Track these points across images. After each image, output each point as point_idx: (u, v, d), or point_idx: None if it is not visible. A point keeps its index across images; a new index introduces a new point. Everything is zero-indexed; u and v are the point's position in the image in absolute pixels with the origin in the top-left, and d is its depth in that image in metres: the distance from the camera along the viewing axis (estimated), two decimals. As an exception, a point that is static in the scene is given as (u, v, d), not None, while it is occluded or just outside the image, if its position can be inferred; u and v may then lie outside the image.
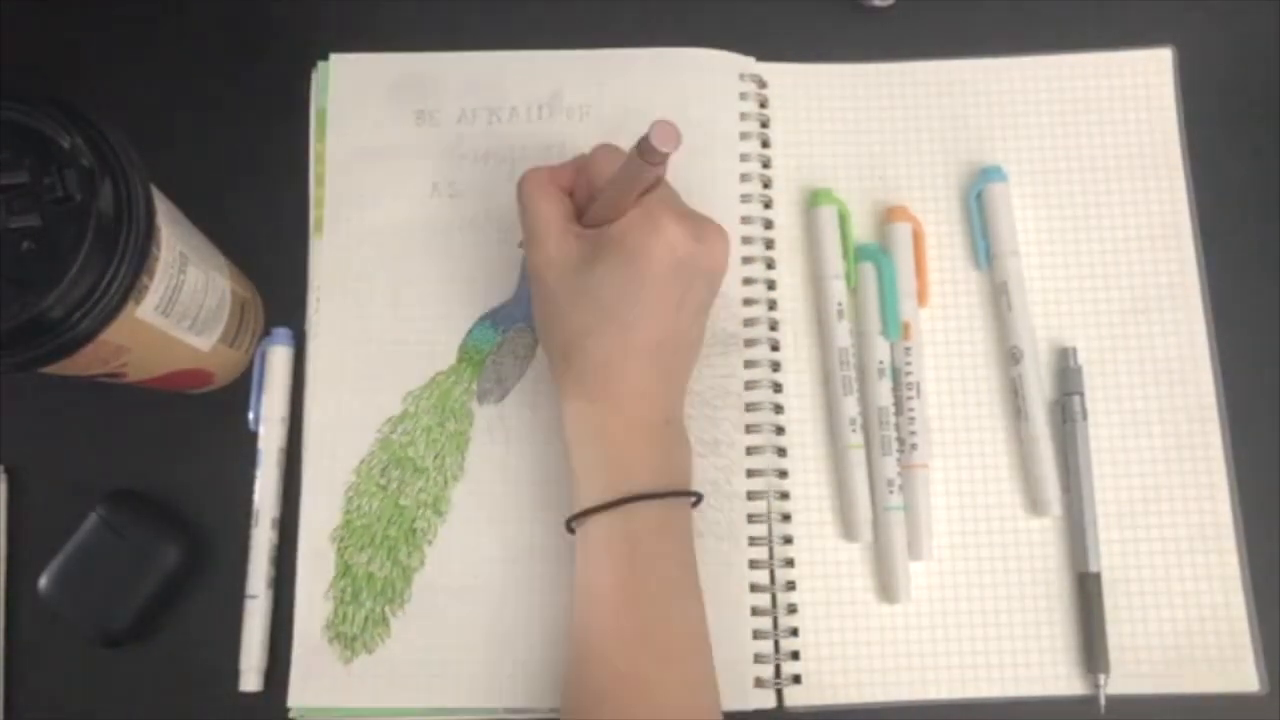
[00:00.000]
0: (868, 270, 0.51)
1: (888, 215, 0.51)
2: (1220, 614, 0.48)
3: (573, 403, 0.44)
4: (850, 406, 0.50)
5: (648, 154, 0.38)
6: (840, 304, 0.51)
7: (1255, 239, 0.53)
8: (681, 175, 0.51)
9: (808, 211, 0.52)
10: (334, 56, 0.53)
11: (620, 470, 0.43)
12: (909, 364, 0.50)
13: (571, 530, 0.44)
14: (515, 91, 0.53)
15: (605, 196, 0.42)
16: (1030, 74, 0.54)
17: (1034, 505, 0.49)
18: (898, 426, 0.49)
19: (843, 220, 0.52)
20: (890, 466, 0.49)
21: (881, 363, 0.50)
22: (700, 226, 0.43)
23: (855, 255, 0.51)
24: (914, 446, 0.49)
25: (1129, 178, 0.53)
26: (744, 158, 0.52)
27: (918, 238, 0.51)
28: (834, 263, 0.51)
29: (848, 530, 0.49)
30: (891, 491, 0.49)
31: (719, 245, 0.43)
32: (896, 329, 0.50)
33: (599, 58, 0.53)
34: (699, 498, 0.44)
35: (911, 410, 0.50)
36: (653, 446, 0.44)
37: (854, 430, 0.49)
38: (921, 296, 0.51)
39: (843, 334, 0.50)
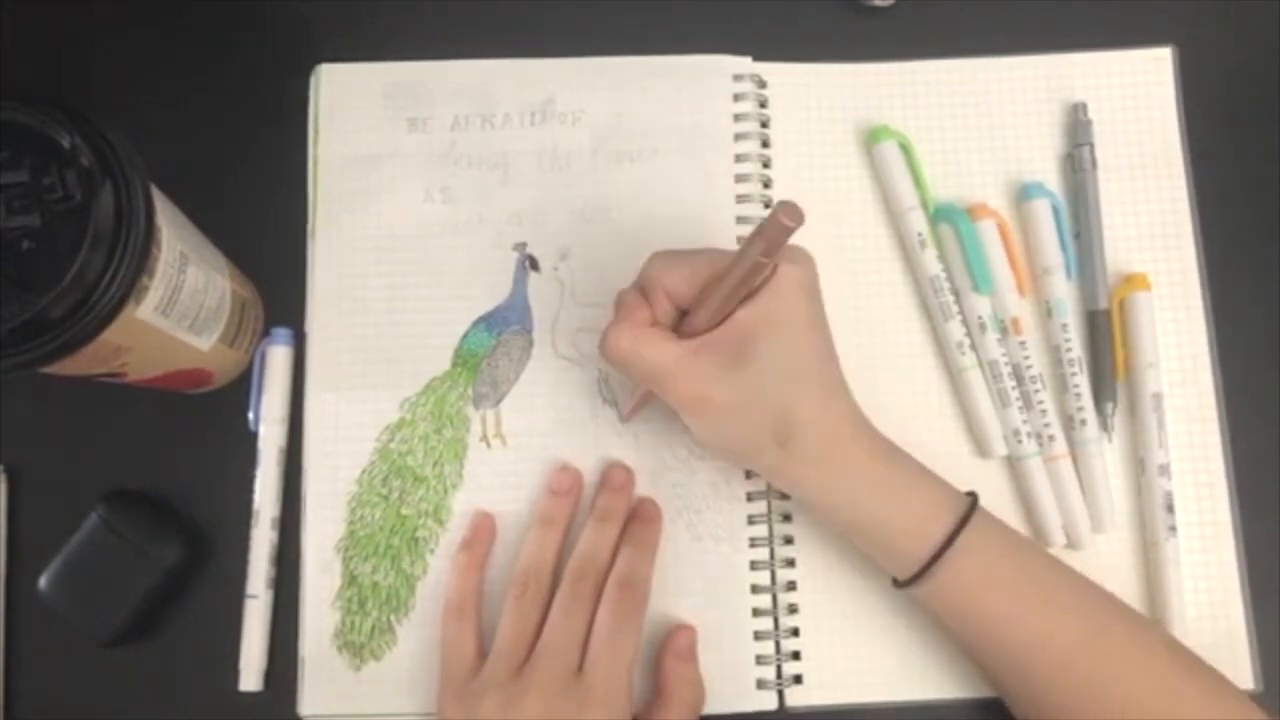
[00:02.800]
0: (945, 231, 0.51)
1: (971, 214, 0.51)
2: (1218, 612, 0.48)
3: (823, 475, 0.43)
4: (955, 330, 0.50)
5: (774, 231, 0.37)
6: (921, 234, 0.51)
7: (1255, 239, 0.53)
8: (674, 178, 0.52)
9: (869, 150, 0.52)
10: (323, 66, 0.53)
11: (924, 490, 0.43)
12: (1027, 358, 0.50)
13: (899, 586, 0.44)
14: (508, 98, 0.53)
15: (715, 302, 0.41)
16: (1030, 73, 0.54)
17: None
18: (1023, 400, 0.50)
19: (907, 151, 0.52)
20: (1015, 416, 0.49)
21: (981, 317, 0.50)
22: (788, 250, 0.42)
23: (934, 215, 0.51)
24: (1051, 439, 0.49)
25: (1129, 177, 0.53)
26: (741, 158, 0.52)
27: (1004, 231, 0.51)
28: (907, 195, 0.51)
29: (981, 449, 0.50)
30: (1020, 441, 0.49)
31: (800, 251, 0.43)
32: (987, 283, 0.50)
33: (591, 65, 0.54)
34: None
35: (1041, 404, 0.49)
36: (908, 454, 0.44)
37: (963, 353, 0.49)
38: (1021, 288, 0.51)
39: (930, 261, 0.50)
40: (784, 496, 0.49)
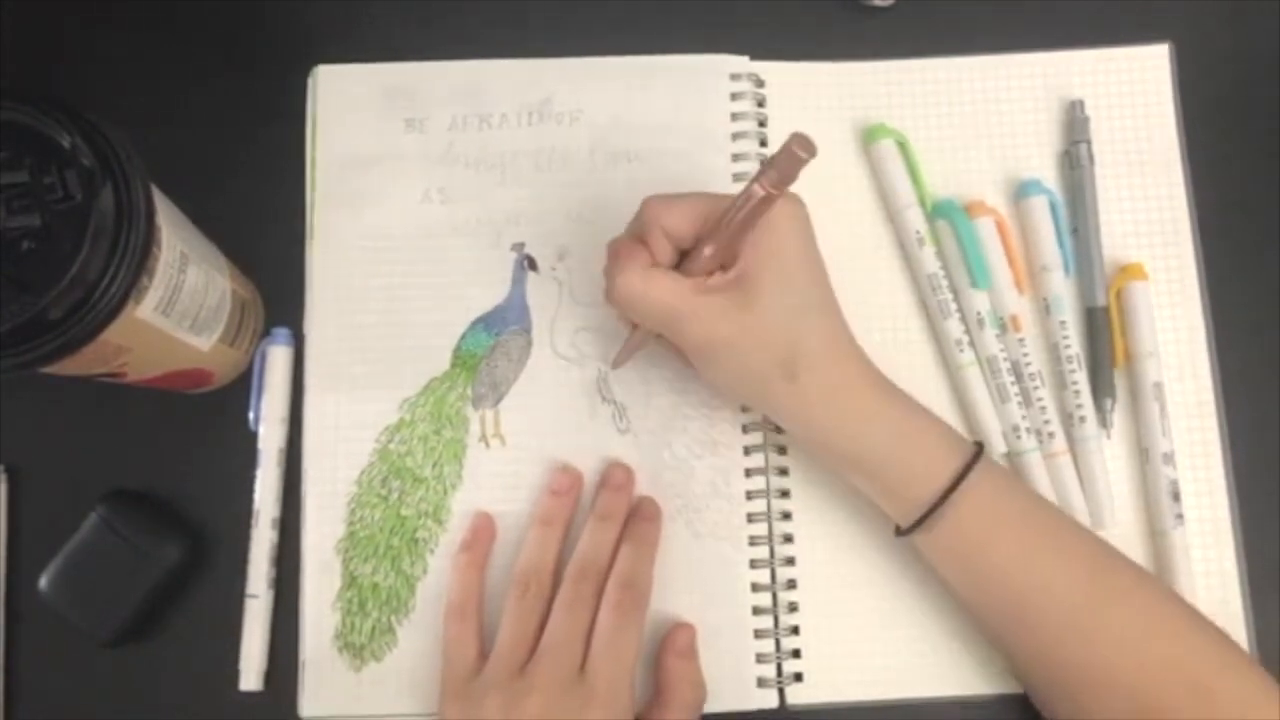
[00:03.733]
0: (944, 227, 0.51)
1: (969, 211, 0.51)
2: (1217, 610, 0.48)
3: (831, 410, 0.43)
4: (954, 328, 0.50)
5: (787, 163, 0.38)
6: (919, 231, 0.51)
7: (1252, 234, 0.53)
8: (672, 177, 0.52)
9: (867, 148, 0.53)
10: (321, 67, 0.53)
11: (931, 432, 0.43)
12: (1026, 355, 0.50)
13: (902, 533, 0.44)
14: (505, 99, 0.53)
15: (722, 239, 0.41)
16: (1028, 71, 0.54)
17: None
18: (1021, 396, 0.50)
19: (904, 149, 0.52)
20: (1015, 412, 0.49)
21: (980, 313, 0.50)
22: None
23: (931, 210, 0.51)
24: (1051, 435, 0.49)
25: (1127, 173, 0.53)
26: (738, 157, 0.52)
27: (1002, 228, 0.51)
28: (905, 193, 0.51)
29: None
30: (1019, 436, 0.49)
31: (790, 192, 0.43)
32: (985, 278, 0.50)
33: (588, 65, 0.54)
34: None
35: (1040, 400, 0.49)
36: (913, 399, 0.44)
37: (962, 350, 0.50)
38: (1019, 285, 0.51)
39: (929, 258, 0.51)
40: (784, 494, 0.49)
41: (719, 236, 0.41)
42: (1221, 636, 0.42)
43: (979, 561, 0.43)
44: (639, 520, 0.48)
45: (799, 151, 0.37)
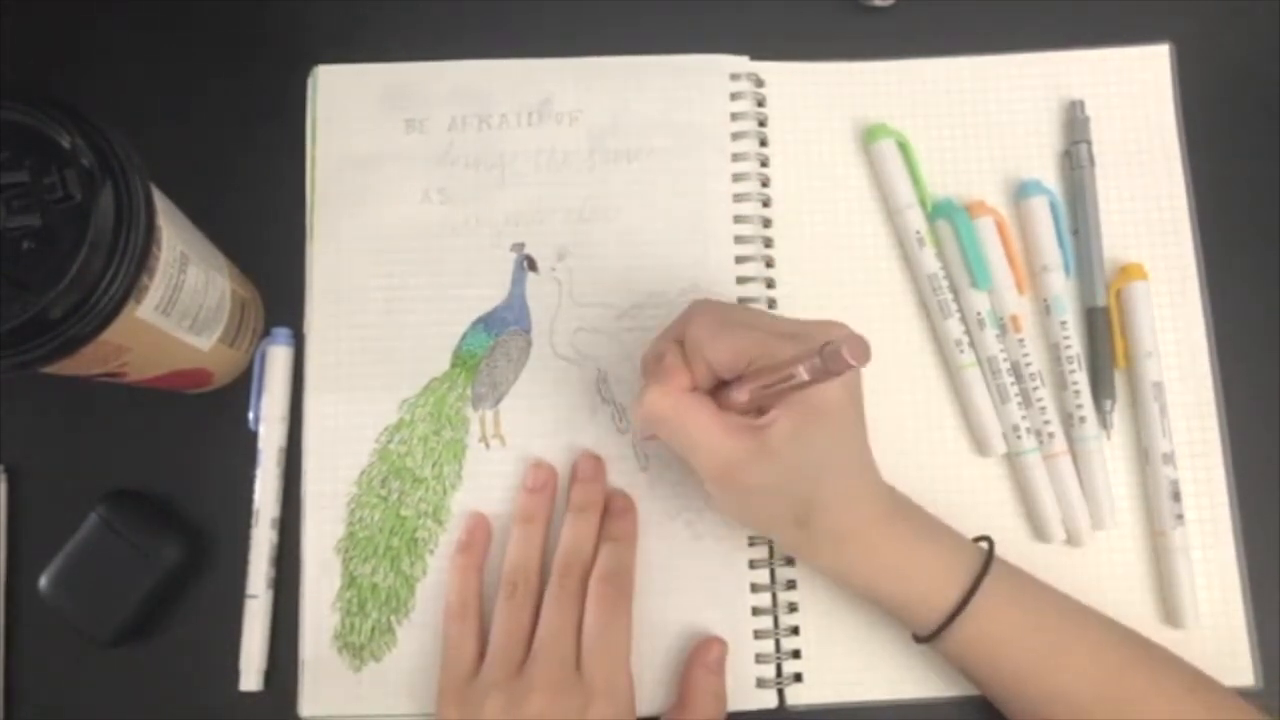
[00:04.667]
0: (944, 227, 0.51)
1: (970, 211, 0.51)
2: (1218, 609, 0.48)
3: (838, 554, 0.43)
4: (954, 328, 0.50)
5: (834, 365, 0.36)
6: (919, 231, 0.51)
7: (1253, 235, 0.53)
8: (672, 177, 0.52)
9: (867, 148, 0.52)
10: (320, 68, 0.53)
11: (939, 555, 0.43)
12: (1026, 355, 0.50)
13: (920, 642, 0.44)
14: (505, 99, 0.53)
15: (756, 393, 0.41)
16: (1028, 71, 0.54)
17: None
18: (1022, 396, 0.50)
19: (905, 149, 0.52)
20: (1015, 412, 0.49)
21: (980, 313, 0.50)
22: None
23: (931, 211, 0.51)
24: (1051, 436, 0.49)
25: (1127, 174, 0.53)
26: (738, 157, 0.52)
27: (1003, 229, 0.51)
28: (904, 193, 0.51)
29: (980, 447, 0.50)
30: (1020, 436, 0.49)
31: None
32: (985, 278, 0.50)
33: (588, 65, 0.54)
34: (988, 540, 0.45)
35: (1040, 401, 0.49)
36: (926, 518, 0.44)
37: (962, 350, 0.50)
38: (1020, 285, 0.51)
39: (929, 259, 0.51)
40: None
41: (754, 389, 0.41)
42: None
43: (1000, 665, 0.43)
44: (613, 516, 0.48)
45: (849, 359, 0.36)
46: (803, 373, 0.38)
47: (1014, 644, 0.43)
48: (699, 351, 0.42)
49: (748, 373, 0.41)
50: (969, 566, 0.43)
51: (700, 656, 0.46)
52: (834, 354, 0.36)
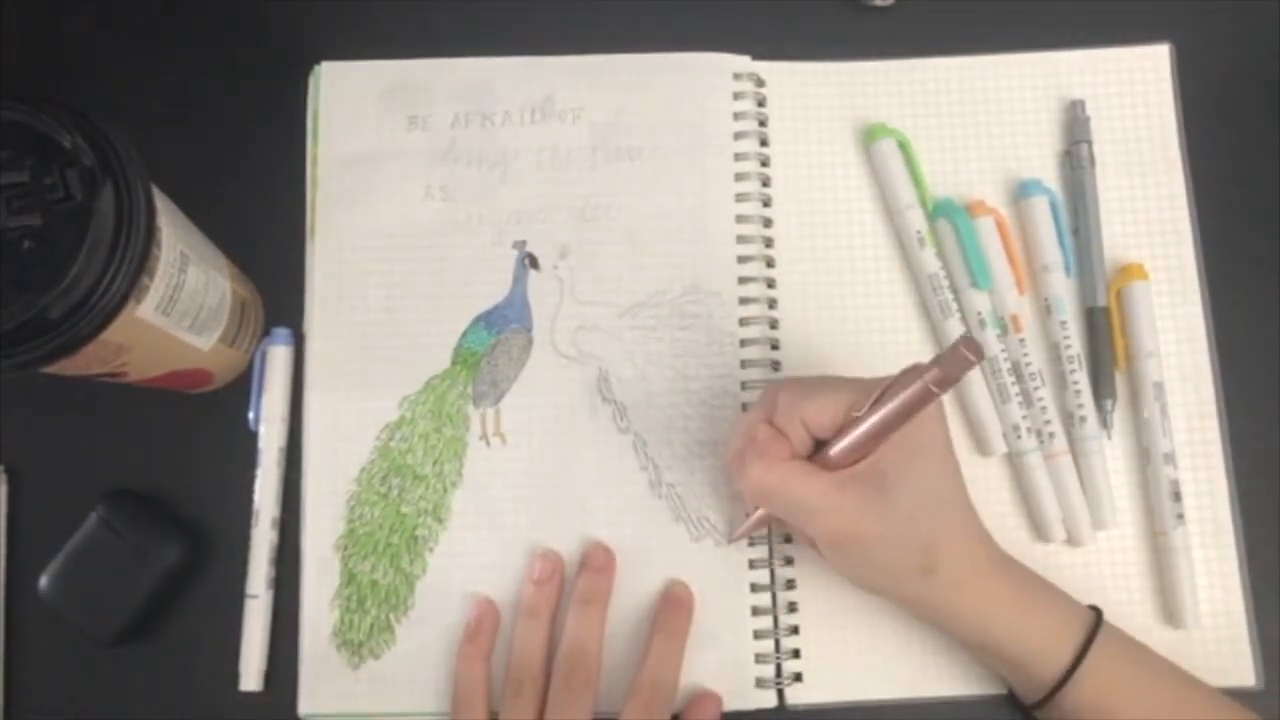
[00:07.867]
0: (944, 227, 0.51)
1: (970, 211, 0.51)
2: (1219, 609, 0.48)
3: (961, 601, 0.43)
4: (955, 328, 0.50)
5: (956, 367, 0.37)
6: (919, 231, 0.51)
7: (1253, 235, 0.53)
8: (673, 176, 0.52)
9: (868, 148, 0.52)
10: (324, 65, 0.53)
11: (1052, 610, 0.43)
12: (1026, 355, 0.50)
13: (1031, 708, 0.44)
14: (507, 96, 0.53)
15: (871, 432, 0.40)
16: (1028, 71, 0.54)
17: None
18: (1022, 396, 0.49)
19: (905, 149, 0.52)
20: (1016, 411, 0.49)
21: (980, 313, 0.50)
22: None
23: (932, 211, 0.51)
24: (1051, 436, 0.49)
25: (1127, 174, 0.53)
26: (740, 156, 0.53)
27: (1003, 228, 0.51)
28: (905, 193, 0.51)
29: (981, 447, 0.50)
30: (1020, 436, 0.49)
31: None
32: (986, 278, 0.50)
33: (590, 63, 0.54)
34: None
35: (1041, 401, 0.49)
36: (1031, 570, 0.44)
37: None
38: (1020, 285, 0.51)
39: (929, 259, 0.50)
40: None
41: (869, 431, 0.40)
42: None
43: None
44: (669, 613, 0.47)
45: (967, 354, 0.36)
46: (924, 388, 0.38)
47: (1124, 703, 0.42)
48: (794, 416, 0.42)
49: (846, 421, 0.41)
50: (1081, 625, 0.43)
51: (696, 715, 0.46)
52: (954, 354, 0.37)
